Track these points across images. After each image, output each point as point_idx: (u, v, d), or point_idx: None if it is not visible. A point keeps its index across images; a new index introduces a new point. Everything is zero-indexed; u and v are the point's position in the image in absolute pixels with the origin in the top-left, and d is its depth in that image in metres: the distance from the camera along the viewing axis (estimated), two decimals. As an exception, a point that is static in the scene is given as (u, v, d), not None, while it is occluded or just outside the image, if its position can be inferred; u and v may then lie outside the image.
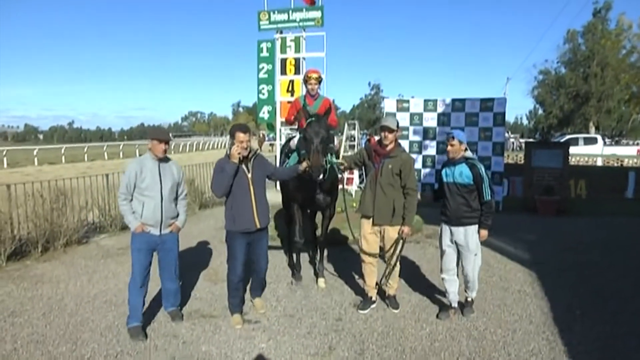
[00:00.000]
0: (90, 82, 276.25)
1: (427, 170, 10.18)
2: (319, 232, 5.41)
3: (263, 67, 10.75)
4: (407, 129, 10.11)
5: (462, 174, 4.12)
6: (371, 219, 4.32)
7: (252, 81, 11.04)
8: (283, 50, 10.43)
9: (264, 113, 10.93)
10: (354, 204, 7.79)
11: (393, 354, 3.66)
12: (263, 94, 10.88)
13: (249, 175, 4.02)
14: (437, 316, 4.34)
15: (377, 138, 4.42)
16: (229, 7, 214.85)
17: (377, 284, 4.55)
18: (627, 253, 6.45)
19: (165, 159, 4.07)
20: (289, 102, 8.45)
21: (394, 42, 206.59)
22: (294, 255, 5.47)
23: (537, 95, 40.14)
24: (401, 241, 4.31)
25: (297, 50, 10.34)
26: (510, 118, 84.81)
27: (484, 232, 4.15)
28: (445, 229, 4.30)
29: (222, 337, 3.95)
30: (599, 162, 16.85)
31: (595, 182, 11.06)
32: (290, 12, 10.34)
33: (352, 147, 14.71)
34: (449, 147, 4.17)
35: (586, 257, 6.26)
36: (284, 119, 8.46)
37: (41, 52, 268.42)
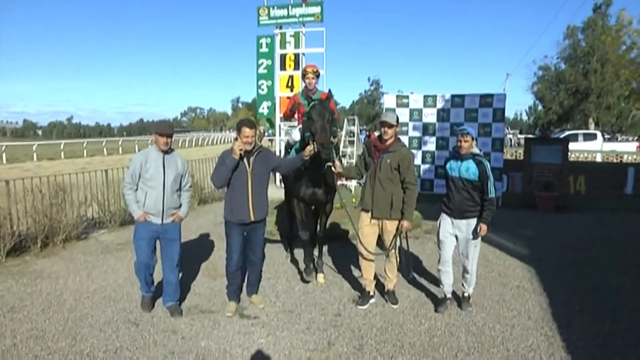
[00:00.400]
0: (89, 77, 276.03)
1: (427, 166, 10.16)
2: (317, 228, 5.40)
3: (262, 63, 10.70)
4: (406, 124, 10.07)
5: (468, 169, 4.13)
6: (370, 212, 4.34)
7: (251, 77, 10.99)
8: (282, 46, 10.38)
9: (264, 108, 10.90)
10: (354, 200, 7.81)
11: (392, 349, 3.66)
12: (262, 90, 10.84)
13: (249, 170, 4.12)
14: (436, 310, 4.35)
15: (377, 134, 4.42)
16: (228, 3, 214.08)
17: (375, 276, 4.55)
18: (626, 249, 6.46)
19: (170, 152, 4.21)
20: (288, 97, 8.41)
21: (393, 38, 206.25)
22: (305, 250, 5.18)
23: (536, 91, 40.04)
24: (401, 235, 4.32)
25: (297, 45, 10.29)
26: (509, 114, 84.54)
27: (484, 227, 4.15)
28: (446, 219, 4.31)
29: (221, 332, 3.96)
30: (599, 158, 16.88)
31: (595, 178, 11.03)
32: (290, 7, 10.28)
33: (351, 142, 14.66)
34: (463, 143, 4.15)
35: (585, 253, 6.27)
36: (282, 115, 8.44)
37: (41, 47, 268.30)
